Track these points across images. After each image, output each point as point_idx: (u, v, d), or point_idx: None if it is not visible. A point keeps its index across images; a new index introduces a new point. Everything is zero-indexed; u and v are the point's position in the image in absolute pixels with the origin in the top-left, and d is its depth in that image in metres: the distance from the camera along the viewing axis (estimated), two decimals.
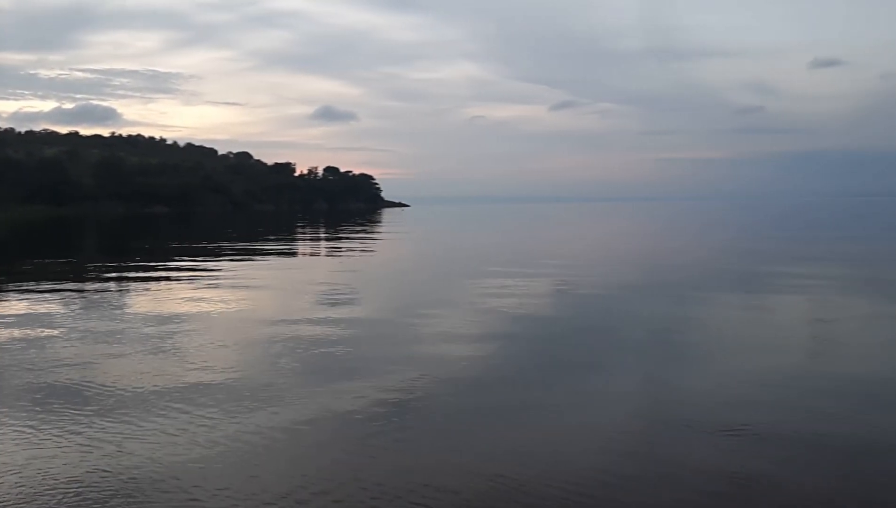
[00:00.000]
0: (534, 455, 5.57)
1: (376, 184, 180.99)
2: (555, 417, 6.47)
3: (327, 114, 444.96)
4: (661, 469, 5.28)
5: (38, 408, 6.54)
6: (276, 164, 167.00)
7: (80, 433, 5.88)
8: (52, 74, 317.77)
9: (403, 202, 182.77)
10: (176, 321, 11.21)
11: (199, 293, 14.64)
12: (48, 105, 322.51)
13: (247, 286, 16.23)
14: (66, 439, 5.76)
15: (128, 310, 12.73)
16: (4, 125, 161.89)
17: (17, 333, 10.25)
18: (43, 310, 12.52)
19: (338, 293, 14.88)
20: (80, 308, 12.78)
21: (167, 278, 18.08)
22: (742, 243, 32.77)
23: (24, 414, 6.38)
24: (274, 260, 24.14)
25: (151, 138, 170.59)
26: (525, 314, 11.74)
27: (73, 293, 14.78)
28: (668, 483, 4.97)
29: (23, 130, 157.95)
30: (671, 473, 5.18)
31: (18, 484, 4.93)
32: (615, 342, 9.82)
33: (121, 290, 16.29)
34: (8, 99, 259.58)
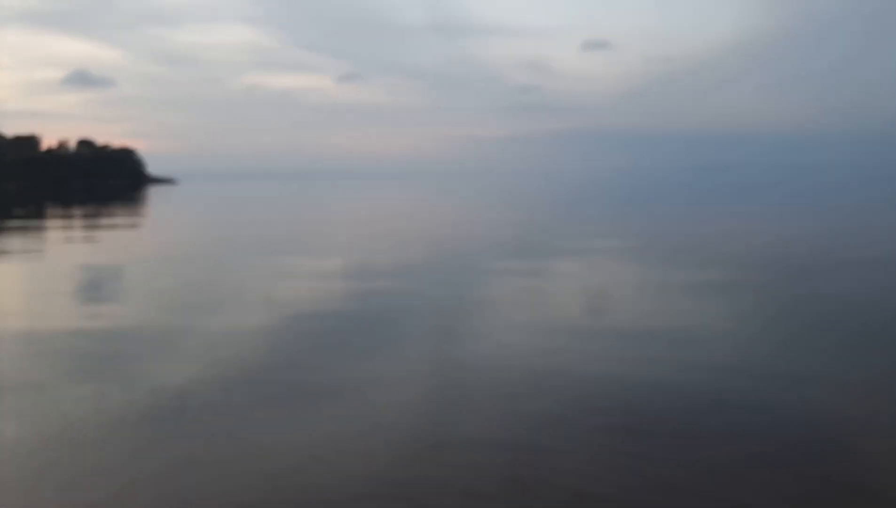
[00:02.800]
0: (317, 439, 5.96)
1: (139, 159, 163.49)
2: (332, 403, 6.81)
3: (81, 79, 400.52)
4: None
5: None
6: (18, 137, 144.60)
7: None
8: None
9: (171, 179, 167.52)
10: None
11: None
12: None
13: None
14: None
15: None
16: None
17: None
18: None
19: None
20: None
21: None
22: (527, 216, 36.03)
23: None
24: None
25: None
26: (312, 299, 11.53)
27: None
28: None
29: None
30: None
31: None
32: (403, 324, 10.08)
33: None
34: None
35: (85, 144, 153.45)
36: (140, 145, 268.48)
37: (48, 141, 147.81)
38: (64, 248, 24.75)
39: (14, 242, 24.09)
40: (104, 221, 37.90)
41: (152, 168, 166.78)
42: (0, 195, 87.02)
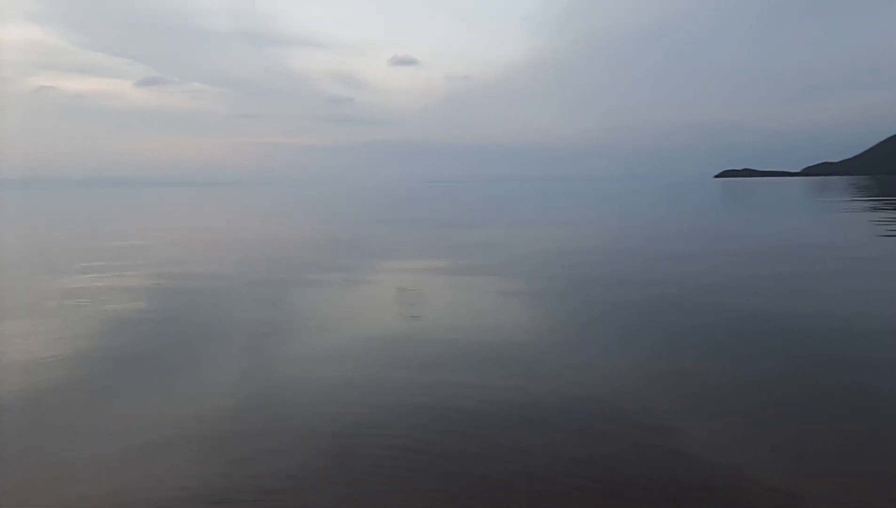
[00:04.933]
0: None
1: None
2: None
3: None
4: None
5: None
6: None
7: None
8: None
9: None
10: None
11: None
12: None
13: None
14: None
15: None
16: None
17: None
18: None
19: None
20: None
21: None
22: (329, 230, 32.39)
23: None
24: None
25: None
26: (107, 313, 11.36)
27: None
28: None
29: None
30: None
31: None
32: (204, 336, 9.82)
33: None
34: None
35: None
36: None
37: None
38: None
39: None
40: None
41: None
42: None
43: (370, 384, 7.42)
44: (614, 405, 6.75)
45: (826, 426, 6.14)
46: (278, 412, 6.62)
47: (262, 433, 6.08)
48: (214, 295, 13.35)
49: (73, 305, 12.57)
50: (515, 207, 53.63)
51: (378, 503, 4.87)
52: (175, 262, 19.12)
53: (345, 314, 11.21)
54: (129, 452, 5.72)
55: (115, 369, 8.25)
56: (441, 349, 8.97)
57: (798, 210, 41.22)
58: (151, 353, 8.97)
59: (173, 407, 6.78)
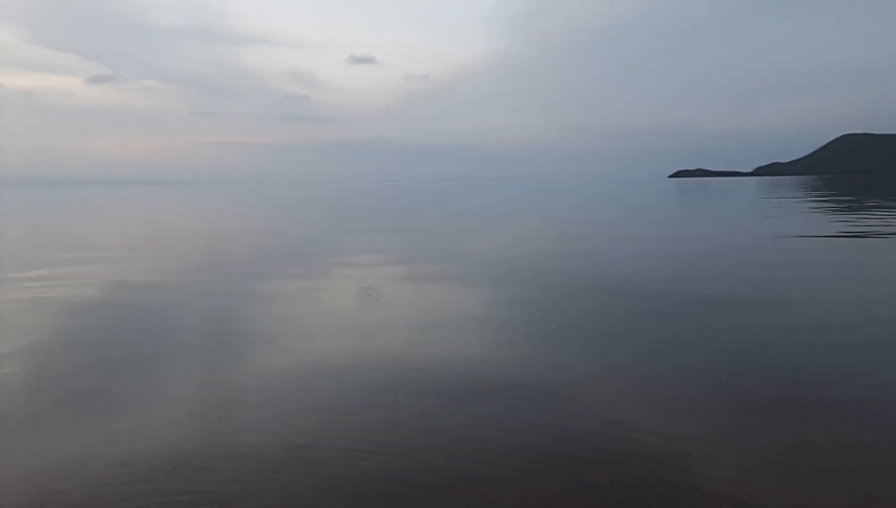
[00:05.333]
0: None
1: None
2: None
3: None
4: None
5: None
6: None
7: None
8: None
9: None
10: None
11: None
12: None
13: None
14: None
15: None
16: None
17: None
18: None
19: None
20: None
21: None
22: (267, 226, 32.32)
23: None
24: None
25: None
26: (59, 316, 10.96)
27: None
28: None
29: None
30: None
31: None
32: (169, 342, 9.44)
33: None
34: None
35: None
36: None
37: None
38: None
39: None
40: None
41: None
42: None
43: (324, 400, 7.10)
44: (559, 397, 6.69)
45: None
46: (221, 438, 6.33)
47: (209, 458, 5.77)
48: (151, 309, 12.21)
49: None
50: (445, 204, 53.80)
51: None
52: (115, 269, 18.04)
53: (288, 325, 10.78)
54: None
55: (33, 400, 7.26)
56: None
57: (747, 207, 42.13)
58: (85, 375, 8.09)
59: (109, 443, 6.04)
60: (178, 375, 8.04)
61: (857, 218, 31.89)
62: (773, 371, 7.69)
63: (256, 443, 5.90)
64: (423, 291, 13.68)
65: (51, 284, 15.21)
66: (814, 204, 47.05)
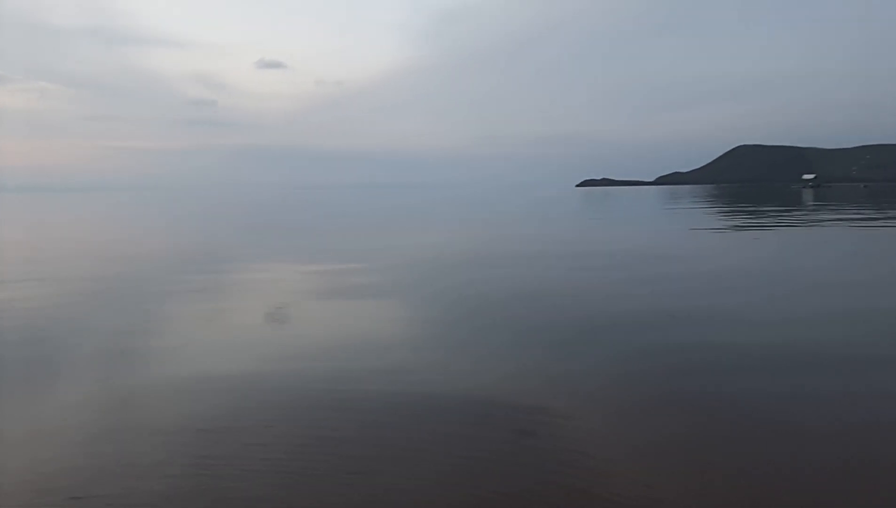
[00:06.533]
0: None
1: None
2: None
3: None
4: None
5: None
6: None
7: None
8: None
9: None
10: None
11: None
12: None
13: None
14: None
15: None
16: None
17: None
18: None
19: None
20: None
21: None
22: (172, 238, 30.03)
23: None
24: None
25: None
26: None
27: None
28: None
29: None
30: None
31: None
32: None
33: None
34: None
35: None
36: None
37: None
38: None
39: None
40: None
41: None
42: None
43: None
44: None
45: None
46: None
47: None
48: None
49: None
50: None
51: None
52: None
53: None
54: None
55: None
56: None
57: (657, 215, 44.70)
58: None
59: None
60: None
61: (749, 218, 36.86)
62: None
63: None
64: None
65: None
66: (713, 209, 51.00)
